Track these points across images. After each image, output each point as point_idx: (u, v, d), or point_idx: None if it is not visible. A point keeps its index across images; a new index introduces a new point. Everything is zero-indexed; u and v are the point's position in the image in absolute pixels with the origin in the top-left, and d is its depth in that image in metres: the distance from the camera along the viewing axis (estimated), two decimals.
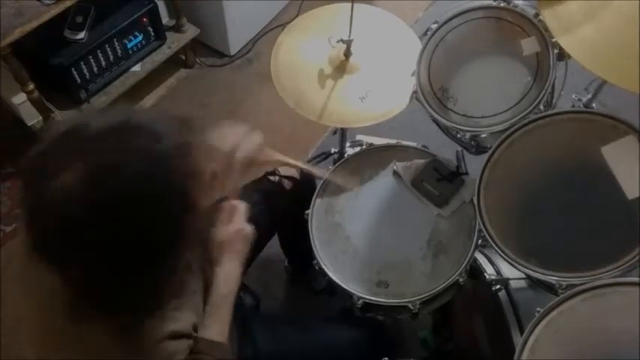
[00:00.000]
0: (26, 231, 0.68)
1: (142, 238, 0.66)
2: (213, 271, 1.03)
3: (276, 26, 2.42)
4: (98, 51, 1.90)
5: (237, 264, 1.03)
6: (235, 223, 1.03)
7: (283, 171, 1.33)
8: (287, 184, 1.32)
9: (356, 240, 1.22)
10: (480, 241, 1.15)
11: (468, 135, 1.21)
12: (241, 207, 1.05)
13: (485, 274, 1.20)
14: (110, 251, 0.66)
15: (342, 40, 1.28)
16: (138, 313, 0.76)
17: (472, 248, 1.15)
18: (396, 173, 1.28)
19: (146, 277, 0.70)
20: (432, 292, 1.13)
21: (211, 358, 0.92)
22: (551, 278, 1.00)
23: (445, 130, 1.31)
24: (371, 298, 1.14)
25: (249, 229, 1.05)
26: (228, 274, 1.02)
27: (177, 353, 0.84)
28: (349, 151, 1.46)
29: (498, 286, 1.17)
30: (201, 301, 1.02)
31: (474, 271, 1.21)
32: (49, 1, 1.61)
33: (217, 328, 0.98)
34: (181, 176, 0.69)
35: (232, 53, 2.38)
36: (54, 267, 0.68)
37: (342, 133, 1.50)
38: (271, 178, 1.32)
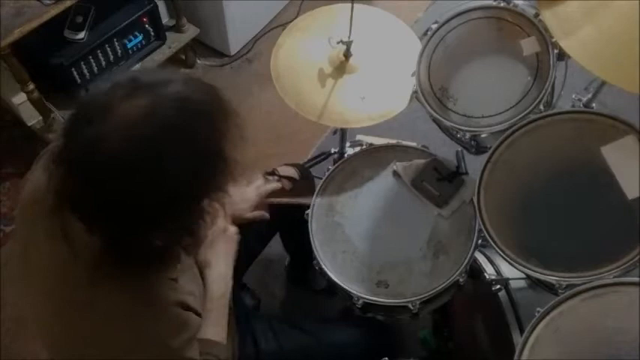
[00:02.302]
0: (64, 178, 0.71)
1: (170, 177, 0.70)
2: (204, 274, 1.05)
3: (276, 26, 2.42)
4: (98, 51, 1.90)
5: (226, 265, 1.06)
6: (219, 226, 1.07)
7: (282, 171, 1.33)
8: (286, 184, 1.32)
9: (356, 240, 1.22)
10: (480, 241, 1.15)
11: (468, 135, 1.21)
12: (219, 212, 1.07)
13: (485, 274, 1.20)
14: (151, 186, 0.69)
15: (342, 42, 1.28)
16: (153, 266, 0.79)
17: (472, 248, 1.15)
18: (396, 173, 1.28)
19: (171, 221, 0.74)
20: (432, 292, 1.13)
21: (214, 358, 0.93)
22: (551, 278, 1.00)
23: (445, 130, 1.31)
24: (371, 298, 1.14)
25: (233, 229, 1.09)
26: (218, 275, 1.04)
27: (189, 324, 0.85)
28: (349, 151, 1.46)
29: (498, 286, 1.17)
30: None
31: (474, 271, 1.21)
32: (49, 1, 1.61)
33: (213, 330, 0.99)
34: (212, 121, 0.75)
35: (232, 53, 2.38)
36: (87, 214, 0.71)
37: (342, 133, 1.50)
38: (270, 178, 1.32)
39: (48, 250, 0.81)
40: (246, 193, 1.18)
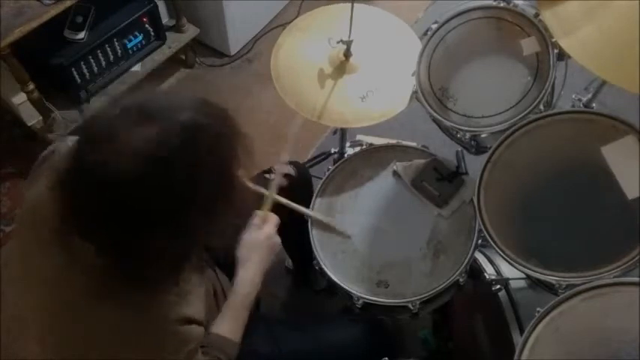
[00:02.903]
0: (69, 200, 0.72)
1: (186, 197, 0.72)
2: (213, 273, 1.04)
3: (276, 26, 2.42)
4: (98, 51, 1.90)
5: (260, 269, 1.07)
6: (265, 230, 1.09)
7: (279, 169, 1.33)
8: (283, 181, 1.32)
9: (356, 240, 1.22)
10: (480, 241, 1.15)
11: (468, 135, 1.21)
12: (274, 218, 1.12)
13: (485, 274, 1.20)
14: (157, 208, 0.71)
15: (342, 41, 1.28)
16: (158, 283, 0.80)
17: (472, 248, 1.15)
18: (396, 173, 1.28)
19: (173, 241, 0.75)
20: (432, 292, 1.13)
21: (220, 354, 0.93)
22: (551, 278, 1.00)
23: (445, 130, 1.31)
24: (371, 298, 1.14)
25: (277, 239, 1.11)
26: (248, 276, 1.06)
27: (191, 338, 0.85)
28: (349, 151, 1.46)
29: (498, 286, 1.17)
30: (211, 299, 1.03)
31: (474, 271, 1.21)
32: (49, 1, 1.61)
33: (230, 327, 1.00)
34: (220, 148, 0.76)
35: (232, 53, 2.38)
36: (93, 233, 0.72)
37: (342, 133, 1.50)
38: (267, 176, 1.32)
39: (47, 262, 0.81)
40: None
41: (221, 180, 0.76)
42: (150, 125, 0.70)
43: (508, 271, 1.21)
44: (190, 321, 0.86)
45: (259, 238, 1.08)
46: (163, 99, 0.78)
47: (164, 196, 0.70)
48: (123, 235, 0.71)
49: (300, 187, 1.32)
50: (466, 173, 1.24)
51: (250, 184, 1.17)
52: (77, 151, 0.73)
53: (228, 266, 1.17)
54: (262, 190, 1.17)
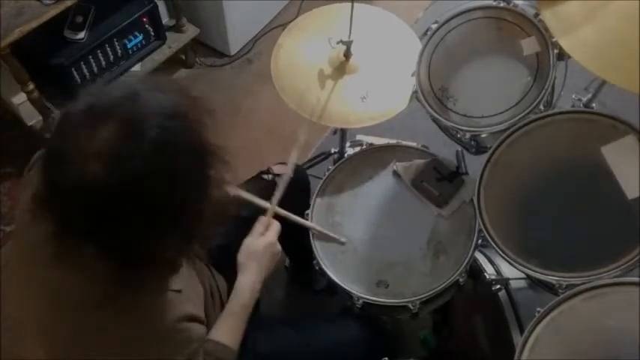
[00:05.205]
0: (57, 213, 0.70)
1: (172, 189, 0.69)
2: (215, 280, 1.03)
3: (276, 26, 2.42)
4: (98, 51, 1.89)
5: (260, 277, 1.06)
6: (267, 238, 1.08)
7: (276, 169, 1.33)
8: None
9: (356, 240, 1.22)
10: (480, 241, 1.15)
11: (468, 135, 1.21)
12: (276, 225, 1.10)
13: (486, 274, 1.20)
14: (152, 204, 0.68)
15: (342, 42, 1.28)
16: (159, 279, 0.79)
17: (472, 248, 1.15)
18: (396, 173, 1.28)
19: (171, 235, 0.73)
20: (432, 292, 1.13)
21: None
22: (551, 278, 1.00)
23: (445, 130, 1.31)
24: (371, 298, 1.14)
25: (278, 247, 1.09)
26: (248, 284, 1.05)
27: (194, 337, 0.85)
28: (349, 151, 1.46)
29: (498, 286, 1.17)
30: (209, 299, 1.03)
31: (474, 271, 1.21)
32: (49, 1, 1.61)
33: (229, 334, 0.99)
34: (196, 131, 0.73)
35: (232, 53, 2.38)
36: (92, 239, 0.70)
37: (342, 133, 1.50)
38: (265, 176, 1.32)
39: (45, 265, 0.80)
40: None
41: (196, 158, 0.72)
42: (105, 125, 0.67)
43: (508, 271, 1.21)
44: (193, 319, 0.85)
45: (261, 245, 1.07)
46: (112, 91, 0.75)
47: (140, 194, 0.67)
48: (114, 238, 0.70)
49: (297, 187, 1.31)
50: (466, 173, 1.24)
51: (251, 196, 1.17)
52: (48, 174, 0.70)
53: (224, 266, 1.17)
54: (263, 202, 1.15)
